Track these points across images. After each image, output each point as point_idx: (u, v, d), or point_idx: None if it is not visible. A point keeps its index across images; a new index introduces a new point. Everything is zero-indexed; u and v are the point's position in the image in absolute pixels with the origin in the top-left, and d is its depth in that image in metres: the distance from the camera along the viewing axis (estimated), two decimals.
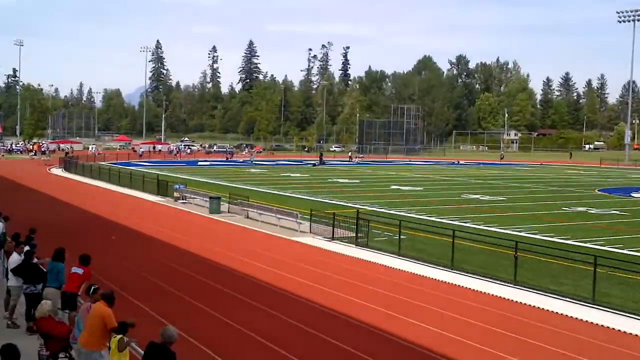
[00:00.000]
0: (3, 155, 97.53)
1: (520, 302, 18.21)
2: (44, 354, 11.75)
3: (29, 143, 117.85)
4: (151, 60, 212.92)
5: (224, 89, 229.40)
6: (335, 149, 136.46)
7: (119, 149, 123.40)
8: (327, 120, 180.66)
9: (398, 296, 18.76)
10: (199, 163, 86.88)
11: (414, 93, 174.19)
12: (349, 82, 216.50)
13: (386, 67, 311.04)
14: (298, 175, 67.29)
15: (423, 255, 24.12)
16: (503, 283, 20.19)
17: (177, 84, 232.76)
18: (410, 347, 14.42)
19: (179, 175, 58.82)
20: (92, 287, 12.14)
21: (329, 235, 28.10)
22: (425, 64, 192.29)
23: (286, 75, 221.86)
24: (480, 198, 45.83)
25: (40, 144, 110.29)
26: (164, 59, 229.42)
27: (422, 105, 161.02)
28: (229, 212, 36.53)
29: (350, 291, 19.22)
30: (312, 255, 24.98)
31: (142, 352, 9.96)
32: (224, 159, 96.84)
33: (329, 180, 60.86)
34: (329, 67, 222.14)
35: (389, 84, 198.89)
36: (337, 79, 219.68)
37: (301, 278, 20.87)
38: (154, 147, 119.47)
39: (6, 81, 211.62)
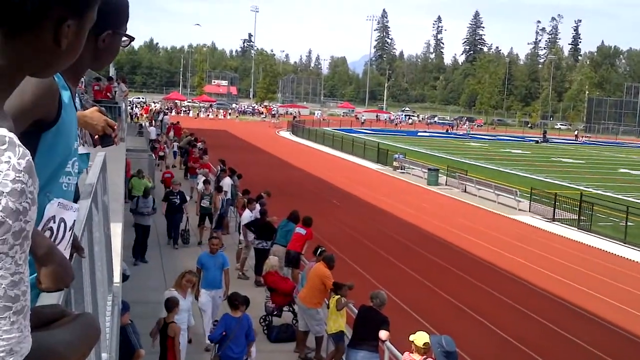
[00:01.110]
0: (237, 116, 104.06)
1: None
2: (270, 306, 12.67)
3: (260, 106, 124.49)
4: (376, 29, 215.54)
5: (447, 60, 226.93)
6: (561, 126, 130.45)
7: (343, 115, 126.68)
8: (553, 96, 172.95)
9: (623, 286, 17.87)
10: (419, 134, 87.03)
11: None
12: (579, 57, 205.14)
13: (620, 42, 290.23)
14: (519, 151, 65.27)
15: None
16: None
17: (401, 53, 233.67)
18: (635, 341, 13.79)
19: (398, 145, 59.43)
20: (319, 249, 12.86)
21: (549, 215, 27.23)
22: None
23: (512, 48, 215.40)
24: None
25: (271, 107, 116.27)
26: (389, 28, 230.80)
27: None
28: (446, 184, 36.52)
29: (569, 275, 18.63)
30: (530, 235, 24.40)
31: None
32: (444, 131, 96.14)
33: (552, 158, 58.50)
34: (557, 40, 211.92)
35: (623, 61, 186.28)
36: (565, 54, 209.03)
37: (518, 257, 20.53)
38: (377, 117, 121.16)
39: (242, 45, 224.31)
